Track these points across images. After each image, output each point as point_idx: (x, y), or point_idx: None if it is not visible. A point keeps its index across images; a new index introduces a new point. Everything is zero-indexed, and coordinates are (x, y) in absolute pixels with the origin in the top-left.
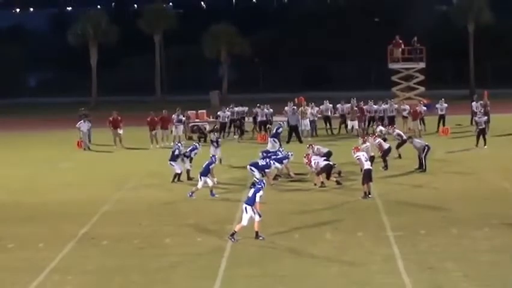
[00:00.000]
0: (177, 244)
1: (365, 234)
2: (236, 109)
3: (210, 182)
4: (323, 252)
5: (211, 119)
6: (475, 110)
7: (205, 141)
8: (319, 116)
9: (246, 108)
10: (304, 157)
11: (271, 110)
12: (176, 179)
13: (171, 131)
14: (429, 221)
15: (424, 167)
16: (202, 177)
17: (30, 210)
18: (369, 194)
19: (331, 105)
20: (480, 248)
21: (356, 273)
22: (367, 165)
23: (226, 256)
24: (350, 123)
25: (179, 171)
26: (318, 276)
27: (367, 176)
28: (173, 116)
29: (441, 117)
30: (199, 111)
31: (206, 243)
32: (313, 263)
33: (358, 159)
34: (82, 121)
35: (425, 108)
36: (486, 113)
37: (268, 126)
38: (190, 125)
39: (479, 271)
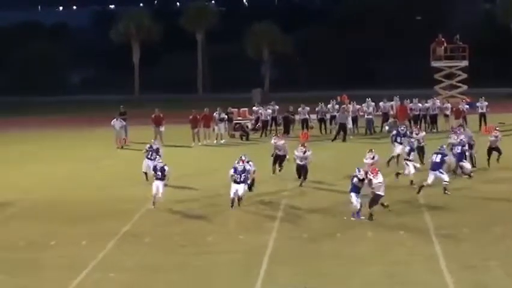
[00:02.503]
0: (219, 242)
1: (406, 233)
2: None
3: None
4: (364, 251)
5: (253, 117)
6: None
7: (247, 139)
8: (377, 113)
9: (276, 107)
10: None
11: (307, 108)
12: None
13: (213, 129)
14: (472, 220)
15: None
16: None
17: (73, 208)
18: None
19: (373, 103)
20: None
21: (398, 273)
22: (381, 191)
23: (268, 254)
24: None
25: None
26: (360, 276)
27: (375, 201)
28: (214, 114)
29: (482, 116)
30: (241, 109)
31: (248, 241)
32: (355, 262)
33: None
34: (115, 119)
35: (467, 106)
36: None
37: (310, 124)
38: (233, 123)
39: None
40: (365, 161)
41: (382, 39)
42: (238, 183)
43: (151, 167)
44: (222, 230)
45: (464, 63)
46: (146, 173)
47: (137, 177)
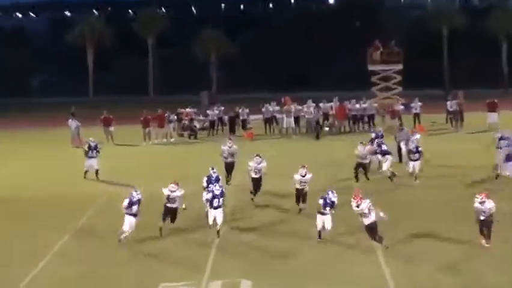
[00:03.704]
0: (169, 236)
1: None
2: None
3: None
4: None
5: (201, 117)
6: (449, 108)
7: (195, 138)
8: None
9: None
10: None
11: (246, 110)
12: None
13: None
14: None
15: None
16: None
17: (27, 204)
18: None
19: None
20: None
21: (338, 267)
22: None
23: (214, 247)
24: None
25: (86, 169)
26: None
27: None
28: (165, 114)
29: (416, 116)
30: (189, 109)
31: (197, 236)
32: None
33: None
34: (70, 119)
35: (402, 107)
36: (461, 112)
37: (248, 125)
38: (182, 122)
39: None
40: (295, 176)
41: (322, 44)
42: (216, 208)
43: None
44: (173, 225)
45: (399, 66)
46: (86, 171)
47: (91, 175)
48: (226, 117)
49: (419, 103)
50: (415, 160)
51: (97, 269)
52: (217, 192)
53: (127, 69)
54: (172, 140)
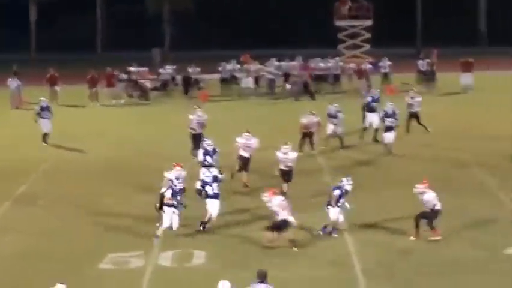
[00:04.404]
0: (116, 203)
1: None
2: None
3: None
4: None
5: (153, 77)
6: (421, 68)
7: (146, 99)
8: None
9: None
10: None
11: (197, 69)
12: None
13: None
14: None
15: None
16: None
17: None
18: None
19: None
20: None
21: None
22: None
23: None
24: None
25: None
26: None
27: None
28: (115, 73)
29: (385, 75)
30: (141, 68)
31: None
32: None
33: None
34: (10, 78)
35: (370, 66)
36: (433, 72)
37: (200, 85)
38: (133, 82)
39: None
40: (277, 154)
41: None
42: (213, 197)
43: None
44: (119, 191)
45: (368, 22)
46: (46, 134)
47: (33, 138)
48: (179, 77)
49: (388, 62)
50: (390, 127)
51: (39, 239)
52: (207, 179)
53: (73, 25)
54: (122, 101)
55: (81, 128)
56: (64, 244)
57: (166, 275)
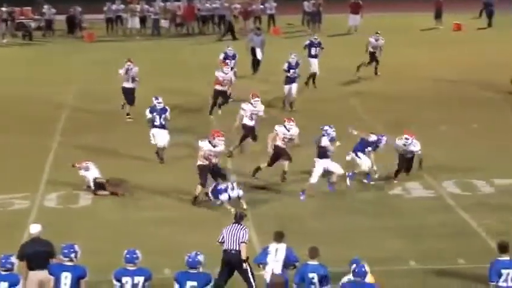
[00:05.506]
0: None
1: None
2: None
3: None
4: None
5: (36, 16)
6: (307, 9)
7: (30, 39)
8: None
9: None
10: None
11: (78, 8)
12: None
13: None
14: None
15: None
16: None
17: None
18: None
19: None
20: None
21: None
22: None
23: (50, 159)
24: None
25: None
26: None
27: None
28: None
29: (271, 17)
30: (24, 8)
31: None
32: None
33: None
34: None
35: (255, 7)
36: (319, 13)
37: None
38: (16, 21)
39: None
40: (278, 129)
41: None
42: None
43: None
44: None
45: None
46: None
47: None
48: (63, 17)
49: (274, 3)
50: (291, 79)
51: None
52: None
53: None
54: (5, 41)
55: None
56: None
57: (51, 216)
